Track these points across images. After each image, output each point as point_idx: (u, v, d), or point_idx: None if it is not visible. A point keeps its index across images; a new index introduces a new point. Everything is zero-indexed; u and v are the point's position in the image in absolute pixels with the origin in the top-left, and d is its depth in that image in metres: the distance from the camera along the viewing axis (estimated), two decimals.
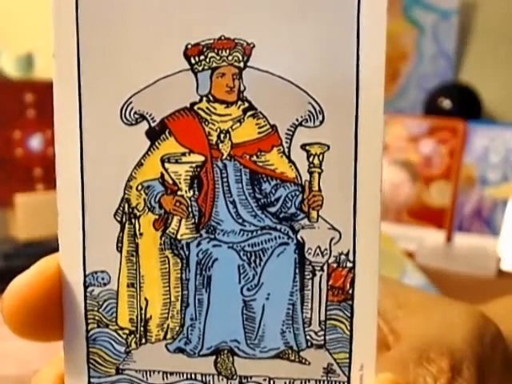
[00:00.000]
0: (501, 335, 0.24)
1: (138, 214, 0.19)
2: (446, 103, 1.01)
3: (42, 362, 0.21)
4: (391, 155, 0.97)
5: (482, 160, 0.94)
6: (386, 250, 0.78)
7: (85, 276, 0.19)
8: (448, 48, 1.06)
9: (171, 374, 0.20)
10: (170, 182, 0.19)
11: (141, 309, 0.20)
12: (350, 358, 0.19)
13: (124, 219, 0.19)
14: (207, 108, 0.19)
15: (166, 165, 0.19)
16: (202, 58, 0.19)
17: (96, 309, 0.20)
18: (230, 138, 0.19)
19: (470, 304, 0.25)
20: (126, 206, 0.19)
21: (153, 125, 0.19)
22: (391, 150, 0.97)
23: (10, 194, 0.84)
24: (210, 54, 0.19)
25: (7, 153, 0.86)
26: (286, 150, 0.19)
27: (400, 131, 0.98)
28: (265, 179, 0.19)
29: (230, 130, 0.19)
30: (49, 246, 0.73)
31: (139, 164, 0.19)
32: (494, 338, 0.23)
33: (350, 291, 0.19)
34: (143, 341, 0.20)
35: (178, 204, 0.19)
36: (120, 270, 0.20)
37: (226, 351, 0.20)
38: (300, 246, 0.19)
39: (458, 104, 1.00)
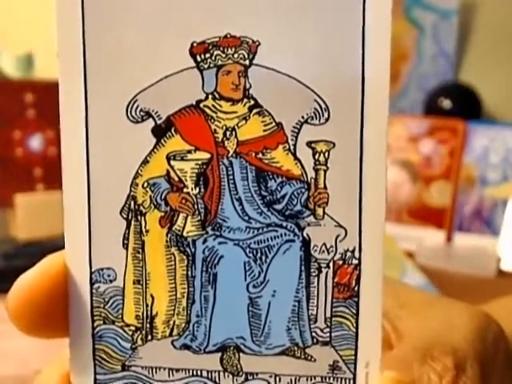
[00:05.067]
0: (503, 334, 0.24)
1: (144, 211, 0.19)
2: (446, 103, 1.01)
3: (42, 361, 0.21)
4: (391, 155, 0.97)
5: (482, 160, 0.94)
6: (386, 250, 0.77)
7: (91, 273, 0.20)
8: (448, 48, 1.06)
9: (177, 370, 0.20)
10: (176, 179, 0.19)
11: (147, 305, 0.20)
12: (355, 354, 0.19)
13: (130, 216, 0.19)
14: (213, 105, 0.19)
15: (172, 162, 0.19)
16: (207, 55, 0.19)
17: (102, 306, 0.20)
18: (235, 136, 0.19)
19: (471, 304, 0.25)
20: (132, 203, 0.19)
21: (159, 122, 0.19)
22: (391, 149, 0.97)
23: (10, 193, 0.84)
24: (215, 52, 0.19)
25: (7, 153, 0.86)
26: (292, 148, 0.19)
27: (400, 131, 0.98)
28: (270, 176, 0.19)
29: (235, 127, 0.19)
30: (49, 246, 0.73)
31: (145, 161, 0.19)
32: (496, 337, 0.23)
33: (356, 288, 0.19)
34: (149, 337, 0.20)
35: (183, 201, 0.19)
36: (126, 266, 0.20)
37: (231, 348, 0.20)
38: (306, 243, 0.19)
39: (458, 104, 1.01)
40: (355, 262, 0.19)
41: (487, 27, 1.06)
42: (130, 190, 0.19)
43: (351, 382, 0.19)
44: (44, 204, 0.83)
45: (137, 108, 0.19)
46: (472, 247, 0.89)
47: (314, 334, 0.20)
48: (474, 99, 1.01)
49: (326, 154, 0.19)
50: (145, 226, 0.19)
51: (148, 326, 0.20)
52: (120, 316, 0.20)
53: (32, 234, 0.81)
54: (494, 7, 1.05)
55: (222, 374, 0.20)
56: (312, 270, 0.19)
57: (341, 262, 0.19)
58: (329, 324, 0.19)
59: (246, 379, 0.20)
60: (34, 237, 0.81)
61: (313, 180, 0.19)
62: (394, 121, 0.98)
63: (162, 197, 0.19)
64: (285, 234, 0.19)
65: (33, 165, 0.88)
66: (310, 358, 0.20)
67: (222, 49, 0.19)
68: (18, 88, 0.88)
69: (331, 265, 0.19)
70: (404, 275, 0.77)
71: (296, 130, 0.19)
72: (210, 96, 0.19)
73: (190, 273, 0.20)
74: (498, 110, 1.04)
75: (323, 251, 0.19)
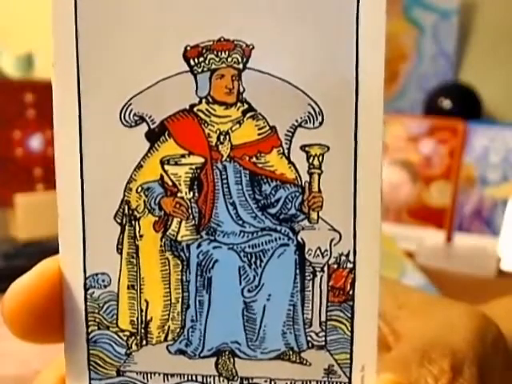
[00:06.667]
0: (502, 335, 0.24)
1: (138, 215, 0.19)
2: (446, 103, 1.01)
3: (41, 362, 0.21)
4: (391, 155, 0.97)
5: (481, 160, 0.94)
6: (385, 250, 0.77)
7: (85, 278, 0.19)
8: (448, 48, 1.06)
9: (172, 375, 0.20)
10: (170, 183, 0.19)
11: (141, 311, 0.20)
12: (350, 358, 0.19)
13: (124, 221, 0.19)
14: (207, 110, 0.19)
15: (166, 167, 0.19)
16: (201, 59, 0.19)
17: (96, 311, 0.20)
18: (229, 140, 0.19)
19: (470, 304, 0.25)
20: (126, 207, 0.19)
21: (152, 126, 0.19)
22: (391, 150, 0.97)
23: (10, 193, 0.84)
24: (209, 56, 0.19)
25: (7, 153, 0.87)
26: (286, 152, 0.19)
27: (400, 131, 0.98)
28: (265, 180, 0.19)
29: (229, 131, 0.19)
30: (49, 246, 0.73)
31: (139, 166, 0.19)
32: (495, 338, 0.23)
33: (351, 292, 0.19)
34: (144, 342, 0.20)
35: (177, 206, 0.19)
36: (120, 271, 0.20)
37: (226, 352, 0.20)
38: (300, 247, 0.19)
39: (458, 104, 1.00)
40: (350, 265, 0.19)
41: (487, 27, 1.05)
42: (124, 195, 0.19)
43: None
44: (44, 204, 0.84)
45: (130, 112, 0.19)
46: (472, 247, 0.89)
47: (309, 338, 0.20)
48: (474, 99, 1.01)
49: (320, 158, 0.19)
50: (139, 231, 0.19)
51: (143, 331, 0.20)
52: (114, 321, 0.20)
53: (32, 234, 0.81)
54: (494, 7, 1.04)
55: (217, 378, 0.20)
56: (307, 274, 0.19)
57: (335, 266, 0.19)
58: (324, 328, 0.19)
59: None
60: (33, 237, 0.81)
61: (307, 184, 0.19)
62: (394, 121, 0.98)
63: (156, 201, 0.19)
64: (279, 238, 0.19)
65: (33, 165, 0.88)
66: (305, 362, 0.20)
67: (215, 53, 0.19)
68: (18, 88, 0.88)
69: (326, 269, 0.19)
70: (404, 275, 0.76)
71: (290, 134, 0.19)
72: (204, 100, 0.19)
73: (184, 277, 0.20)
74: (498, 110, 1.04)
75: (318, 255, 0.19)
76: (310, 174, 0.19)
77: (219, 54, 0.19)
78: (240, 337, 0.20)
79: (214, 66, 0.19)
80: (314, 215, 0.19)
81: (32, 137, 0.88)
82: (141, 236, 0.19)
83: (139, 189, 0.19)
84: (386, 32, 0.18)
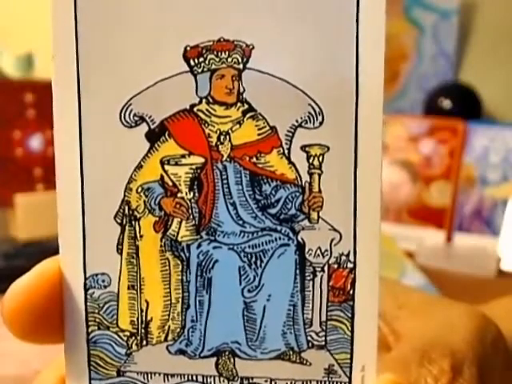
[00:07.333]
0: (501, 335, 0.24)
1: (139, 216, 0.19)
2: (446, 103, 1.01)
3: (41, 361, 0.21)
4: (391, 155, 0.97)
5: (481, 160, 0.94)
6: (385, 250, 0.78)
7: (85, 278, 0.20)
8: (448, 48, 1.06)
9: (172, 375, 0.20)
10: (170, 184, 0.19)
11: (141, 311, 0.20)
12: (351, 358, 0.19)
13: (124, 221, 0.19)
14: (207, 110, 0.19)
15: (166, 167, 0.19)
16: (201, 60, 0.19)
17: (97, 311, 0.20)
18: (229, 140, 0.19)
19: (470, 304, 0.25)
20: (126, 208, 0.19)
21: (152, 127, 0.19)
22: (391, 150, 0.97)
23: (10, 194, 0.84)
24: (209, 56, 0.19)
25: (7, 153, 0.87)
26: (286, 152, 0.19)
27: (400, 131, 0.98)
28: (265, 181, 0.19)
29: (229, 131, 0.19)
30: (49, 246, 0.73)
31: (139, 166, 0.19)
32: (495, 339, 0.23)
33: (351, 292, 0.19)
34: (144, 343, 0.20)
35: (178, 206, 0.19)
36: (120, 272, 0.20)
37: (227, 353, 0.20)
38: (300, 247, 0.19)
39: (458, 104, 1.00)
40: (350, 265, 0.19)
41: (487, 27, 1.05)
42: (124, 195, 0.19)
43: None
44: (44, 204, 0.84)
45: (130, 112, 0.19)
46: (472, 247, 0.89)
47: (309, 338, 0.20)
48: (474, 99, 1.01)
49: (321, 158, 0.19)
50: (139, 231, 0.19)
51: (143, 331, 0.20)
52: (115, 321, 0.20)
53: (32, 234, 0.81)
54: (494, 7, 1.04)
55: (217, 378, 0.20)
56: (307, 274, 0.19)
57: (336, 266, 0.19)
58: (324, 328, 0.19)
59: None
60: (33, 237, 0.81)
61: (307, 184, 0.19)
62: (394, 121, 0.98)
63: (156, 201, 0.19)
64: (279, 238, 0.19)
65: (33, 165, 0.88)
66: (305, 362, 0.20)
67: (215, 53, 0.19)
68: (18, 88, 0.88)
69: (326, 269, 0.19)
70: (404, 275, 0.76)
71: (290, 134, 0.19)
72: (204, 100, 0.19)
73: (184, 277, 0.20)
74: (498, 109, 1.04)
75: (318, 255, 0.19)
76: (310, 174, 0.19)
77: (219, 54, 0.19)
78: (240, 337, 0.20)
79: (214, 66, 0.19)
80: (314, 215, 0.19)
81: (32, 137, 0.88)
82: (141, 236, 0.19)
83: (139, 189, 0.19)
84: (385, 32, 0.18)
